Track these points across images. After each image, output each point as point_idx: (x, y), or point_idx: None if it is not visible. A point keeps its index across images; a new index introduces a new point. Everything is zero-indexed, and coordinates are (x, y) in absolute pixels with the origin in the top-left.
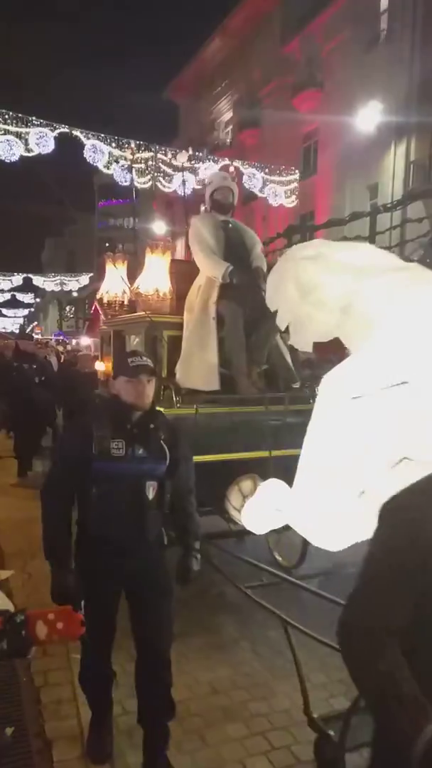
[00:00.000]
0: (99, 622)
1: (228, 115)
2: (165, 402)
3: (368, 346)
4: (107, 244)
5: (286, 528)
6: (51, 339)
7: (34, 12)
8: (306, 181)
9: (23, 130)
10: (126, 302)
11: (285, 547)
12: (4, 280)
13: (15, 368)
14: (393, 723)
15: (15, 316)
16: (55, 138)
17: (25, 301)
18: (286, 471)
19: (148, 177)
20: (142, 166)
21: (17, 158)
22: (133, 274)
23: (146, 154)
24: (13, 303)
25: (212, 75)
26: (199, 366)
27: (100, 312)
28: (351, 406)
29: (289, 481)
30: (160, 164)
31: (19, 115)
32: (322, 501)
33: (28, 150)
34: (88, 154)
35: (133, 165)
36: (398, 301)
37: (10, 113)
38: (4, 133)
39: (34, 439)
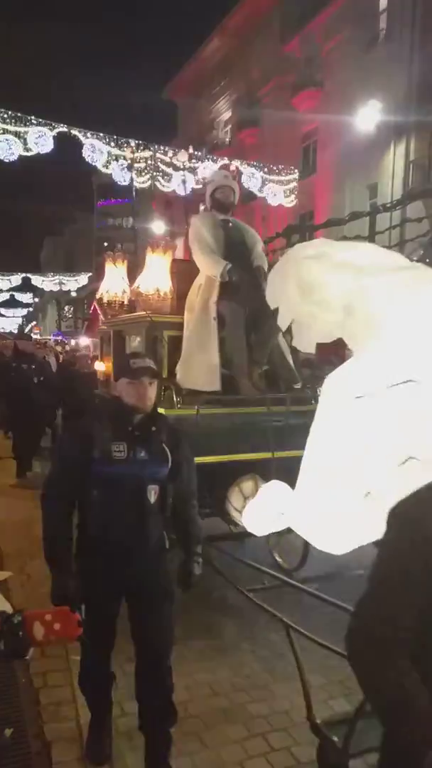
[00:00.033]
0: (99, 624)
1: (227, 115)
2: (165, 402)
3: (372, 346)
4: (106, 244)
5: (288, 530)
6: (50, 339)
7: (35, 12)
8: (305, 181)
9: (22, 129)
10: (126, 302)
11: (286, 549)
12: (2, 279)
13: (14, 368)
14: (405, 735)
15: (14, 316)
16: (54, 137)
17: (24, 301)
18: (288, 472)
19: (147, 176)
20: (142, 165)
21: (16, 158)
22: (132, 274)
23: (145, 154)
24: (11, 303)
25: (211, 74)
26: (199, 366)
27: (100, 312)
28: (355, 407)
29: (291, 482)
30: (159, 164)
31: (18, 114)
32: (325, 503)
33: (26, 149)
34: (86, 153)
35: (133, 164)
36: (402, 300)
37: (9, 112)
38: (3, 133)
39: (33, 440)
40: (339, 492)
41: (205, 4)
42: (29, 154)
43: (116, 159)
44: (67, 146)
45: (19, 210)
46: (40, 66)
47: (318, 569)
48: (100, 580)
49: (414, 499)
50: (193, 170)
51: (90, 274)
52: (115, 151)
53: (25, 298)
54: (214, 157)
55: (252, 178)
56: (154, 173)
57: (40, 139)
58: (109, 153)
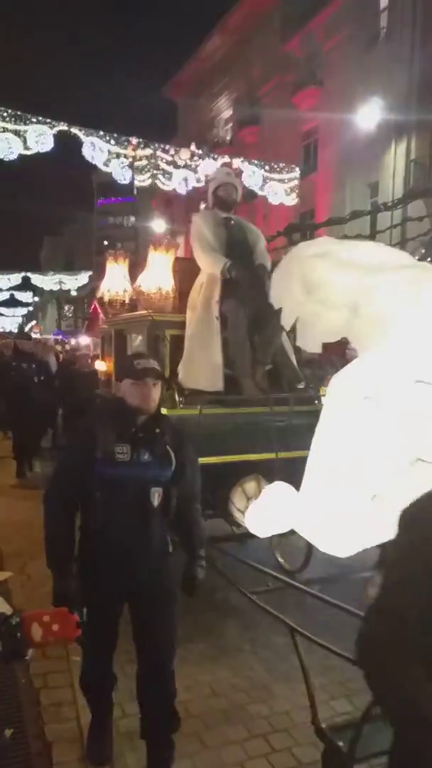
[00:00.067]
0: (100, 626)
1: (228, 113)
2: (168, 402)
3: (378, 346)
4: (106, 243)
5: (291, 532)
6: (50, 338)
7: (35, 12)
8: (306, 179)
9: (22, 127)
10: (127, 301)
11: (288, 550)
12: (2, 279)
13: (14, 367)
14: (418, 745)
15: (14, 316)
16: (54, 136)
17: (24, 300)
18: (291, 473)
19: (148, 175)
20: (143, 162)
21: (16, 156)
22: (133, 273)
23: (146, 152)
24: (11, 302)
25: (212, 73)
26: (202, 366)
27: (101, 311)
28: (361, 407)
29: (294, 483)
30: (160, 162)
31: (18, 113)
32: (330, 503)
33: (26, 148)
34: (86, 151)
35: (134, 162)
36: (408, 299)
37: (9, 111)
38: (3, 131)
39: (34, 440)
40: (344, 493)
41: (205, 3)
42: (29, 152)
43: (117, 157)
44: (67, 145)
45: (19, 209)
46: (40, 65)
47: (321, 571)
48: (102, 582)
49: (427, 498)
50: (193, 168)
51: (90, 273)
52: (116, 149)
53: (25, 297)
54: (215, 156)
55: (253, 176)
56: (155, 171)
57: (40, 138)
58: (109, 151)
